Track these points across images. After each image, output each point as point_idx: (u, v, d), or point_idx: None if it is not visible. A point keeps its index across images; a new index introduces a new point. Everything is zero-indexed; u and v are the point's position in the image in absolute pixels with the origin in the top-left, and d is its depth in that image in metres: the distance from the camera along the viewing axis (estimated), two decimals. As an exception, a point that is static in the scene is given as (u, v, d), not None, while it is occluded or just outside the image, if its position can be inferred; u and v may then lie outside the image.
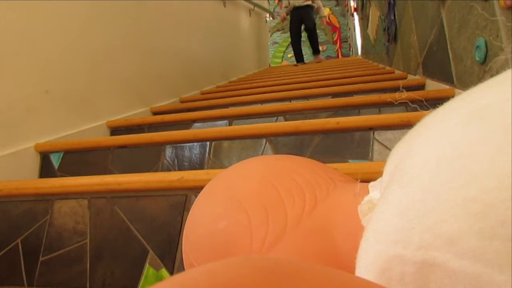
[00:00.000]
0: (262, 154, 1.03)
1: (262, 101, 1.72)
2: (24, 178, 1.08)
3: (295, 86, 2.07)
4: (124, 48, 1.67)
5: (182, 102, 2.15)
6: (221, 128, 1.13)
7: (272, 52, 7.36)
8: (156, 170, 1.09)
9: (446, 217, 0.15)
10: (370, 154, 0.92)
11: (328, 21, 7.66)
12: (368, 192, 0.27)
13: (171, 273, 0.72)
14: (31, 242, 0.81)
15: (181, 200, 0.76)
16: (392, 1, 2.12)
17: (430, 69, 1.49)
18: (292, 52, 4.98)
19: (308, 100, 1.62)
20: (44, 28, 1.22)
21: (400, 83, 1.45)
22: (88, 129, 1.38)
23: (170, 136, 1.12)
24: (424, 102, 1.02)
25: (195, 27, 2.59)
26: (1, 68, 1.06)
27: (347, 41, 7.54)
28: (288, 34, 4.95)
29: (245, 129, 1.07)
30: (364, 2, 3.88)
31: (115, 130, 1.50)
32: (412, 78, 1.70)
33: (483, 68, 0.93)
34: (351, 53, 7.10)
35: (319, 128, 0.99)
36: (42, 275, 0.78)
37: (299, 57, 4.61)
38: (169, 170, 1.08)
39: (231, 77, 3.32)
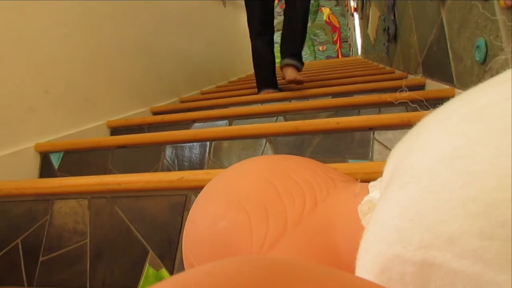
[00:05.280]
0: (262, 154, 1.03)
1: (262, 101, 1.72)
2: (24, 178, 1.08)
3: (295, 86, 2.07)
4: (124, 48, 1.67)
5: (182, 102, 2.15)
6: (221, 128, 1.13)
7: (272, 52, 7.34)
8: (156, 170, 1.09)
9: (446, 217, 0.15)
10: (370, 154, 0.92)
11: (328, 21, 7.67)
12: (368, 192, 0.27)
13: (171, 273, 0.72)
14: (31, 242, 0.81)
15: (181, 200, 0.76)
16: (392, 1, 2.12)
17: (430, 69, 1.49)
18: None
19: (308, 100, 1.62)
20: (44, 28, 1.22)
21: (403, 82, 1.45)
22: (88, 129, 1.38)
23: (170, 136, 1.12)
24: (424, 102, 1.02)
25: (195, 27, 2.59)
26: (1, 68, 1.06)
27: (347, 41, 7.54)
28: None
29: (245, 129, 1.07)
30: (364, 2, 3.88)
31: (115, 130, 1.50)
32: (412, 78, 1.70)
33: (483, 68, 0.93)
34: (351, 53, 7.11)
35: (319, 128, 0.99)
36: (42, 275, 0.78)
37: (267, 76, 1.87)
38: (169, 170, 1.08)
39: (231, 77, 3.32)
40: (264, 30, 1.83)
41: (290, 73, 1.78)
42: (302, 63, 1.83)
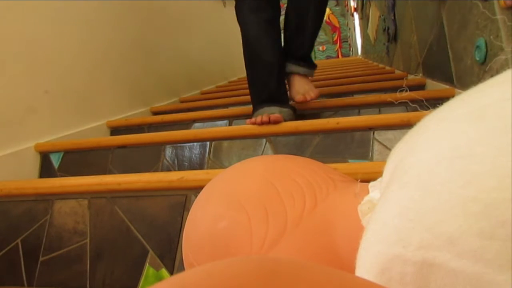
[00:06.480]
0: (262, 154, 1.03)
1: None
2: (24, 178, 1.08)
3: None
4: (124, 48, 1.67)
5: (182, 102, 2.15)
6: (221, 128, 1.13)
7: (272, 52, 7.30)
8: (156, 170, 1.09)
9: (446, 217, 0.15)
10: (370, 154, 0.92)
11: (328, 21, 7.66)
12: (368, 192, 0.27)
13: (171, 273, 0.72)
14: (31, 242, 0.81)
15: (181, 200, 0.76)
16: (392, 1, 2.12)
17: (430, 69, 1.49)
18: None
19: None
20: (44, 28, 1.22)
21: (404, 82, 1.45)
22: (88, 129, 1.38)
23: (170, 136, 1.12)
24: (424, 102, 1.02)
25: (195, 27, 2.59)
26: (1, 68, 1.06)
27: (347, 41, 7.54)
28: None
29: (245, 129, 1.07)
30: (364, 2, 3.89)
31: (115, 130, 1.50)
32: (412, 78, 1.70)
33: (483, 68, 0.93)
34: (351, 53, 7.11)
35: (319, 128, 0.99)
36: (42, 275, 0.78)
37: (267, 83, 1.14)
38: (169, 170, 1.08)
39: (231, 77, 3.31)
40: (264, 3, 1.12)
41: (298, 88, 1.20)
42: (313, 65, 1.27)
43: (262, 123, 1.03)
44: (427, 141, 0.20)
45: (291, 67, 1.22)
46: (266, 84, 1.14)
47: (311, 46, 1.25)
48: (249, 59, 1.19)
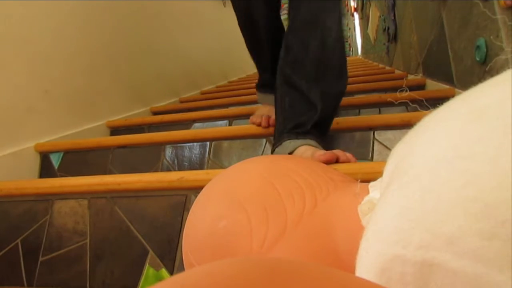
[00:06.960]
0: (262, 154, 1.03)
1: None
2: (24, 178, 1.08)
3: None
4: (124, 48, 1.67)
5: (182, 102, 2.15)
6: (221, 128, 1.13)
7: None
8: (156, 170, 1.09)
9: (446, 217, 0.15)
10: (370, 154, 0.92)
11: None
12: (368, 192, 0.27)
13: (171, 273, 0.72)
14: (31, 242, 0.81)
15: (181, 200, 0.76)
16: (392, 1, 2.12)
17: (430, 69, 1.49)
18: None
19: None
20: (44, 28, 1.22)
21: (404, 82, 1.46)
22: (88, 129, 1.38)
23: (170, 136, 1.12)
24: (424, 102, 1.02)
25: (195, 27, 2.59)
26: (1, 68, 1.06)
27: (347, 41, 7.54)
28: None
29: (245, 129, 1.07)
30: (364, 2, 3.89)
31: (115, 130, 1.50)
32: (412, 78, 1.70)
33: (483, 68, 0.93)
34: (351, 53, 7.11)
35: (319, 128, 0.99)
36: (42, 275, 0.78)
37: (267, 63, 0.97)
38: (169, 170, 1.08)
39: (231, 77, 3.31)
40: None
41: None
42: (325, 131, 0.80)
43: (260, 125, 1.01)
44: (427, 141, 0.20)
45: (295, 143, 0.64)
46: (265, 68, 0.97)
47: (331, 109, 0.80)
48: (244, 35, 0.98)
